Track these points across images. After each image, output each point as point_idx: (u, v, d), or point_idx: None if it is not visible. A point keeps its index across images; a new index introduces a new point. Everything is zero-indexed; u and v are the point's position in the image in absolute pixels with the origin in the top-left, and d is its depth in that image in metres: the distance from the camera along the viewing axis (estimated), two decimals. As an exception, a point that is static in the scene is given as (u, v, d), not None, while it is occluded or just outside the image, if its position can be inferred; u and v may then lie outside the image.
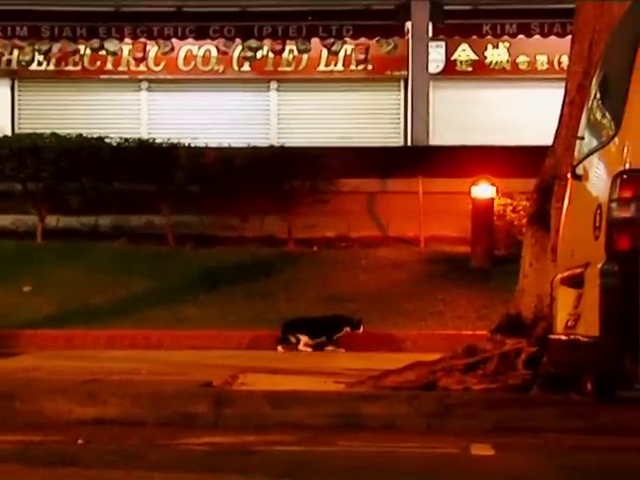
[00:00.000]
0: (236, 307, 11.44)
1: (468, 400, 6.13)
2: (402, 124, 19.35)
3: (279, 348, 10.05)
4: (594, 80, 5.86)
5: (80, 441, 5.22)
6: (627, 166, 4.48)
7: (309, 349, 10.03)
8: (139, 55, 18.96)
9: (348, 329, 10.02)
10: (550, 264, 7.22)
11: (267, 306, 11.50)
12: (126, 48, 18.94)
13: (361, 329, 10.02)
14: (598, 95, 5.59)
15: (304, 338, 10.02)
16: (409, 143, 19.01)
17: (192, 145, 15.53)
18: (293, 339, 10.06)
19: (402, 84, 19.41)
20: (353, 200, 15.53)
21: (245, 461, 4.70)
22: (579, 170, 5.50)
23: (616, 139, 4.70)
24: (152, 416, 5.99)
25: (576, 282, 5.22)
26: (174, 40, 18.75)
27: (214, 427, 5.84)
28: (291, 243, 14.85)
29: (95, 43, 18.71)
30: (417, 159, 16.36)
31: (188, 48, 18.86)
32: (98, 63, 18.94)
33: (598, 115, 5.47)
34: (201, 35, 18.75)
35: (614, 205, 4.47)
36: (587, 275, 4.87)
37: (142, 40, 18.88)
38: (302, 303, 11.33)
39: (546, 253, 7.45)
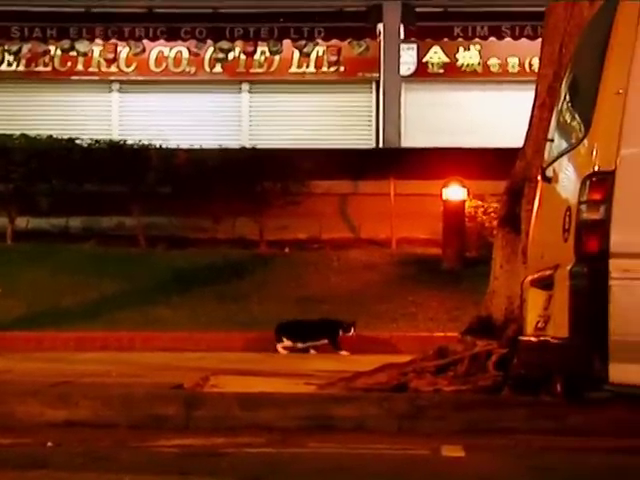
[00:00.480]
0: (208, 309, 11.41)
1: (439, 402, 6.14)
2: (374, 126, 19.38)
3: (279, 349, 10.02)
4: (564, 82, 5.89)
5: (50, 444, 5.19)
6: (596, 168, 4.50)
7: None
8: (110, 56, 18.87)
9: (342, 332, 10.05)
10: (521, 266, 7.24)
11: (239, 308, 11.48)
12: (97, 49, 18.85)
13: (352, 332, 10.05)
14: (568, 97, 5.61)
15: (287, 342, 10.04)
16: (381, 145, 19.03)
17: (163, 147, 15.49)
18: (287, 341, 10.05)
19: (374, 86, 19.44)
20: (325, 202, 15.52)
21: (215, 463, 4.69)
22: (549, 172, 5.52)
23: (585, 141, 4.73)
24: (123, 418, 5.97)
25: (546, 284, 5.24)
26: (145, 41, 18.69)
27: (185, 429, 5.82)
28: (263, 245, 14.83)
29: (66, 44, 18.61)
30: (389, 161, 16.37)
31: (159, 49, 18.81)
32: (69, 64, 18.84)
33: (568, 117, 5.50)
34: (172, 36, 18.70)
35: (583, 207, 4.49)
36: (557, 277, 4.89)
37: (113, 41, 18.80)
38: (274, 305, 11.32)
39: (517, 255, 7.48)
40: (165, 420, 5.95)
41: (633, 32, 4.49)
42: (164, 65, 18.88)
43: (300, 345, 10.09)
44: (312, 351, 10.06)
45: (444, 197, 14.00)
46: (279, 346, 10.03)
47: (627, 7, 4.58)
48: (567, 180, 5.09)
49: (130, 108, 19.17)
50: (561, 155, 5.35)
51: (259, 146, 16.62)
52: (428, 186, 14.69)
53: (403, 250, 14.27)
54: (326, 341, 10.06)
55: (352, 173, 16.22)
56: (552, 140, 5.80)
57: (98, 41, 18.79)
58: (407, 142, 18.87)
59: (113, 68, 18.99)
